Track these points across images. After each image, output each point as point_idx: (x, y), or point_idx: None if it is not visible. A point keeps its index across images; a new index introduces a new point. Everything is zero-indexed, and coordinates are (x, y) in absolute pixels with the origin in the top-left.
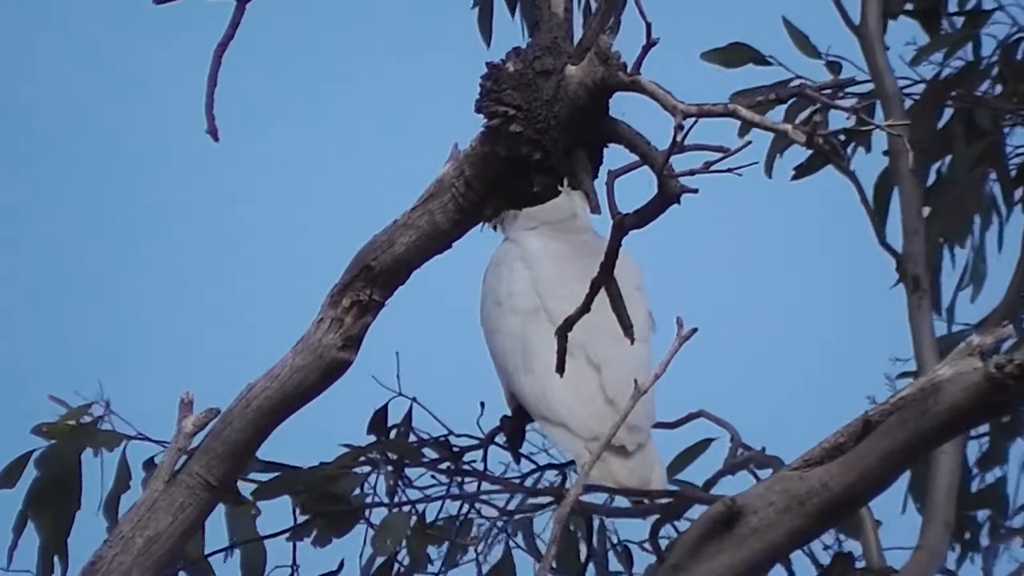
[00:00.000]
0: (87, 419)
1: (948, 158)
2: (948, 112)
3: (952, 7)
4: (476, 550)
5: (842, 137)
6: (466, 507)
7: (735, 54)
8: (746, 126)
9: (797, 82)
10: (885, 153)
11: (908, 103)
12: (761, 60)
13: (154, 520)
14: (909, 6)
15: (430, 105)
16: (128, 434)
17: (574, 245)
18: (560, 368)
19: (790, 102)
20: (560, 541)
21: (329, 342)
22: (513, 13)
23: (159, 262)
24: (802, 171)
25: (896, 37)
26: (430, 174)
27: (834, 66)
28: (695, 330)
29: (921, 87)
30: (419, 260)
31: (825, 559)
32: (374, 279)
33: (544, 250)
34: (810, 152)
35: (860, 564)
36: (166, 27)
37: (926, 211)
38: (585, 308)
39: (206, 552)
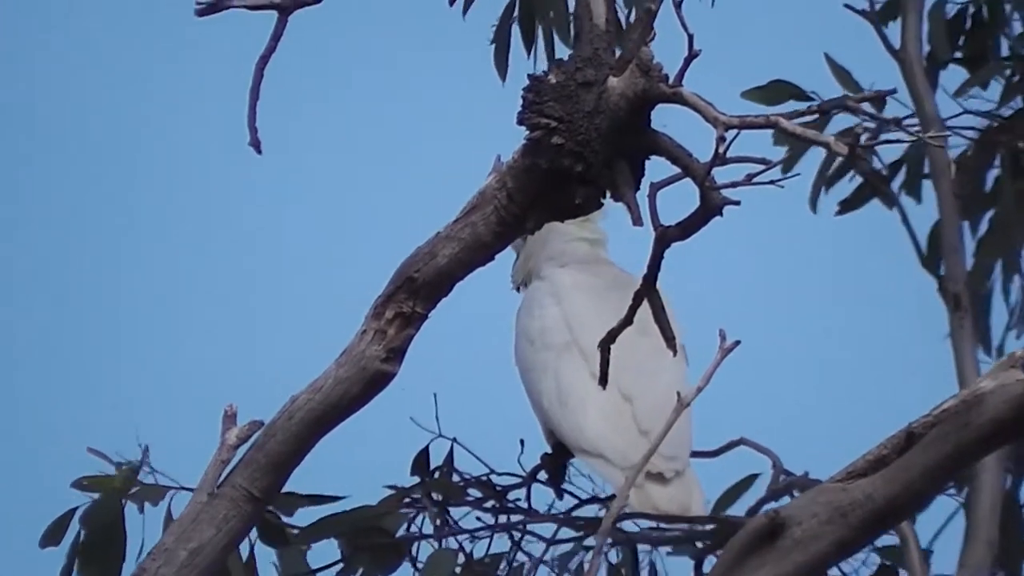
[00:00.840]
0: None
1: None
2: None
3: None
4: None
5: (884, 172)
6: (511, 543)
7: (776, 91)
8: (782, 137)
9: (838, 117)
10: (926, 176)
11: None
12: (802, 96)
13: (197, 532)
14: (958, 54)
15: (472, 116)
16: (171, 485)
17: (604, 279)
18: (603, 381)
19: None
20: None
21: (372, 354)
22: (529, 52)
23: (199, 273)
24: (847, 206)
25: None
26: (472, 186)
27: (878, 101)
28: (738, 342)
29: (965, 118)
30: (461, 272)
31: None
32: (417, 291)
33: (575, 284)
34: (856, 186)
35: None
36: (179, 30)
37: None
38: (628, 321)
39: None
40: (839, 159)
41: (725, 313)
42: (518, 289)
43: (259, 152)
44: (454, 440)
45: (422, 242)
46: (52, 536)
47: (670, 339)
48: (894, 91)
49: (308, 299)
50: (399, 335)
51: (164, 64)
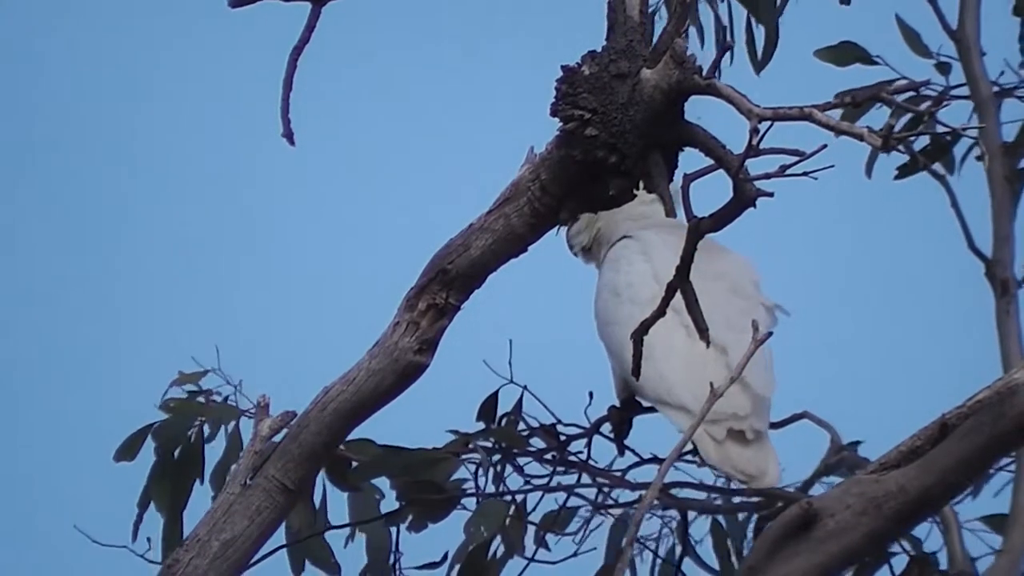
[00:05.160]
0: (217, 398)
1: None
2: None
3: None
4: (574, 540)
5: (947, 139)
6: (564, 499)
7: (844, 53)
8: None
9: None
10: (979, 158)
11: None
12: (868, 60)
13: (230, 524)
14: None
15: (506, 108)
16: (243, 408)
17: None
18: (636, 371)
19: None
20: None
21: (405, 345)
22: None
23: (232, 265)
24: (905, 171)
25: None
26: (506, 178)
27: (944, 67)
28: (770, 334)
29: None
30: (495, 263)
31: None
32: (450, 282)
33: (663, 242)
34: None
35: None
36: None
37: None
38: (661, 312)
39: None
40: (898, 127)
41: (797, 285)
42: (576, 253)
43: (292, 143)
44: (524, 388)
45: (454, 234)
46: (126, 451)
47: (703, 330)
48: (927, 82)
49: (340, 291)
50: (432, 326)
51: (181, 63)
